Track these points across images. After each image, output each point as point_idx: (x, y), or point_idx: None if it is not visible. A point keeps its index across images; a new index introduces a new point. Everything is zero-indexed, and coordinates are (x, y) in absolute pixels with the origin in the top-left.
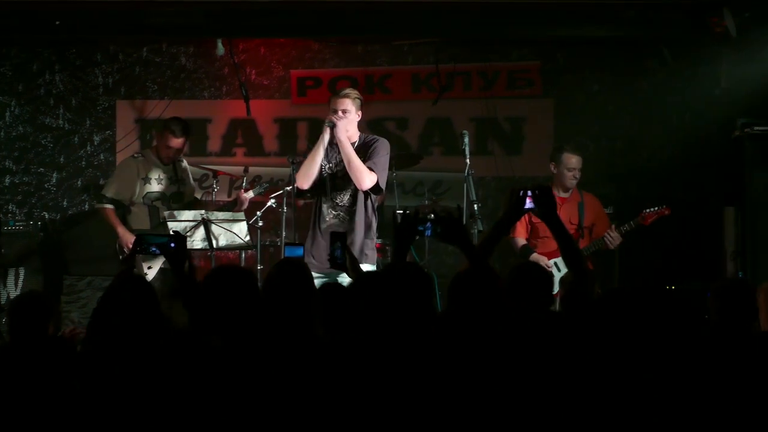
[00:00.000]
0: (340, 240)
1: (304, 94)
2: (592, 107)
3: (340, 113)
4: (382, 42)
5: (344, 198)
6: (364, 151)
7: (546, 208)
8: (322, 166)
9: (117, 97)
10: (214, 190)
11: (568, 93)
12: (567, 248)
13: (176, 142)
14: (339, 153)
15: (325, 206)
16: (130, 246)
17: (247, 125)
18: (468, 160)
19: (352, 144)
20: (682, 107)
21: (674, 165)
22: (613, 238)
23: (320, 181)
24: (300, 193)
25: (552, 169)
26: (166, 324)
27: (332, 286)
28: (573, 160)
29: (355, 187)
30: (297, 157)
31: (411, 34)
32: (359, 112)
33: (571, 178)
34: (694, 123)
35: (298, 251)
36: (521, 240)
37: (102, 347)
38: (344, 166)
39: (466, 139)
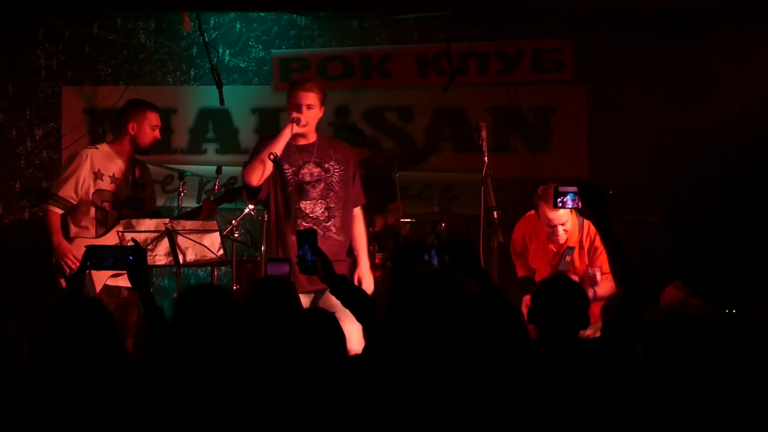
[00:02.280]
0: (309, 240)
1: (288, 78)
2: (635, 94)
3: (304, 109)
4: (382, 15)
5: (316, 208)
6: (326, 156)
7: (593, 207)
8: (284, 171)
9: (63, 82)
10: (180, 195)
11: (605, 77)
12: (616, 256)
13: (158, 118)
14: (305, 154)
15: (288, 220)
16: (69, 261)
17: (219, 116)
18: (485, 158)
19: (308, 146)
20: (745, 95)
21: (736, 165)
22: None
23: (282, 189)
24: (251, 192)
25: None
26: (125, 357)
27: (322, 311)
28: (551, 216)
29: (333, 197)
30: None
31: (416, 6)
32: (323, 108)
33: (552, 234)
34: (760, 113)
35: (283, 268)
36: (521, 272)
37: (44, 387)
38: (313, 171)
39: (483, 133)
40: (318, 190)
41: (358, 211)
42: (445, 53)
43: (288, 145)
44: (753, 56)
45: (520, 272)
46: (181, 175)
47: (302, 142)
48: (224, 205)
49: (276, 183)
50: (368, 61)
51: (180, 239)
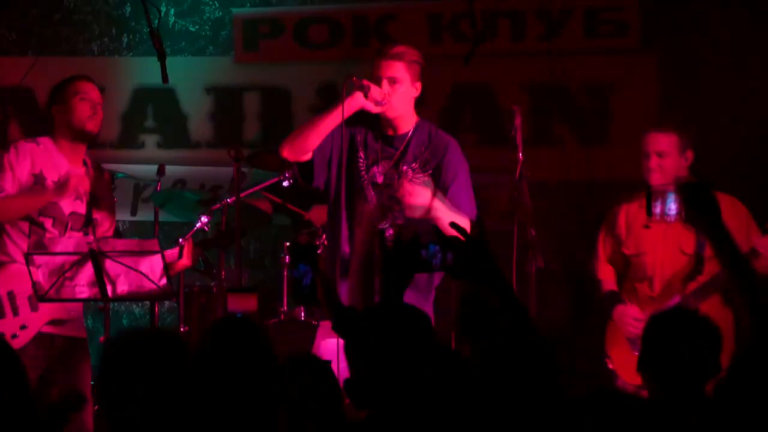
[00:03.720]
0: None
1: (255, 47)
2: (721, 67)
3: (385, 83)
4: None
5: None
6: (412, 154)
7: (700, 210)
8: (357, 165)
9: None
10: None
11: (681, 44)
12: (735, 274)
13: (91, 87)
14: (388, 148)
15: (348, 221)
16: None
17: (162, 98)
18: (520, 154)
19: (397, 138)
20: None
21: None
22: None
23: (347, 183)
24: (302, 169)
25: None
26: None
27: (305, 358)
28: (649, 140)
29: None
30: (244, 150)
31: None
32: (417, 84)
33: (648, 169)
34: None
35: (249, 302)
36: (608, 283)
37: None
38: (385, 171)
39: (517, 121)
40: (386, 195)
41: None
42: (467, 12)
43: (377, 133)
44: None
45: (607, 284)
46: (111, 177)
47: (391, 131)
48: (167, 219)
49: (340, 173)
50: (363, 23)
51: (109, 264)
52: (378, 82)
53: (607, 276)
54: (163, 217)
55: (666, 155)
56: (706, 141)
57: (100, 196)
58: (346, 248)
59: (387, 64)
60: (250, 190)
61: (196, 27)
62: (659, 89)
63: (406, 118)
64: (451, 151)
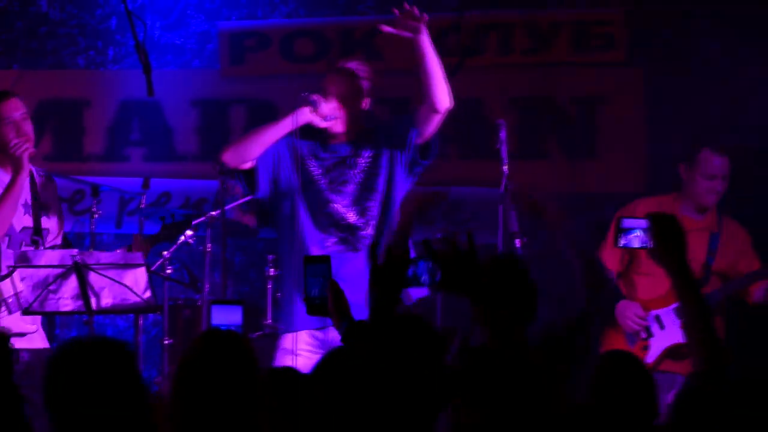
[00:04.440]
0: (320, 268)
1: (241, 60)
2: (708, 81)
3: (334, 99)
4: None
5: (350, 213)
6: (382, 137)
7: (666, 245)
8: (310, 174)
9: None
10: (93, 216)
11: (669, 58)
12: (697, 317)
13: (13, 106)
14: (333, 154)
15: (316, 229)
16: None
17: (148, 111)
18: (506, 168)
19: (352, 140)
20: None
21: None
22: None
23: (308, 201)
24: (248, 177)
25: (682, 173)
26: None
27: (290, 374)
28: (715, 163)
29: (367, 194)
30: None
31: None
32: (367, 100)
33: (709, 191)
34: None
35: (234, 315)
36: (612, 274)
37: None
38: (344, 172)
39: (503, 134)
40: (350, 188)
41: None
42: (455, 26)
43: (325, 142)
44: None
45: (612, 263)
46: (95, 189)
47: (337, 140)
48: (153, 232)
49: (291, 185)
50: (350, 36)
51: (93, 277)
52: (328, 97)
53: (612, 265)
54: (148, 229)
55: (727, 178)
56: (690, 152)
57: (48, 205)
58: (316, 251)
59: (337, 80)
60: (234, 204)
61: (182, 40)
62: (646, 103)
63: (352, 130)
64: (405, 126)
